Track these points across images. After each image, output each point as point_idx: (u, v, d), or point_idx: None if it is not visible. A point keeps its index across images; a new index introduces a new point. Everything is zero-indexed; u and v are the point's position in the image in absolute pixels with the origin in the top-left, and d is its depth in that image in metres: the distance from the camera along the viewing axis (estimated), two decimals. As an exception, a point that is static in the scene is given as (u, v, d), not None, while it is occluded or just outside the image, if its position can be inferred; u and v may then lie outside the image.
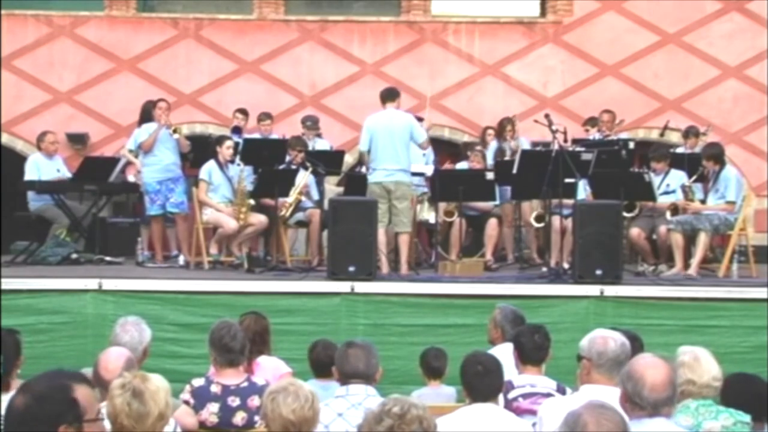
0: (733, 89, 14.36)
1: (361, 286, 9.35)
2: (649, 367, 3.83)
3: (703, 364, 4.69)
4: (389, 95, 10.54)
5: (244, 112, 12.54)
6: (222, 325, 5.56)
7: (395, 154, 10.21)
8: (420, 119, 11.06)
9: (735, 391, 4.91)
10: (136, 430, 3.53)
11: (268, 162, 11.03)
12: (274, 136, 12.29)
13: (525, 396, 5.38)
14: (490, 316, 6.93)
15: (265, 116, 12.50)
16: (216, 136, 11.81)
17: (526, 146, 11.67)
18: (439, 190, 10.88)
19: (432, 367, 6.96)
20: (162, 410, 3.60)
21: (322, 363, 6.44)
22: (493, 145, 12.12)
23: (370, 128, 10.34)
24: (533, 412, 5.09)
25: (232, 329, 5.47)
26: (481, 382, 4.70)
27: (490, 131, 12.52)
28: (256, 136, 12.12)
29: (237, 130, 11.94)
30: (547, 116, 10.67)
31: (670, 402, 3.78)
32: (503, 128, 12.01)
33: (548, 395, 5.36)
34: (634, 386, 3.79)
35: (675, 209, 10.62)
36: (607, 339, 4.69)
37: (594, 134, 12.34)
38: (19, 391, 2.86)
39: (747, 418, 4.60)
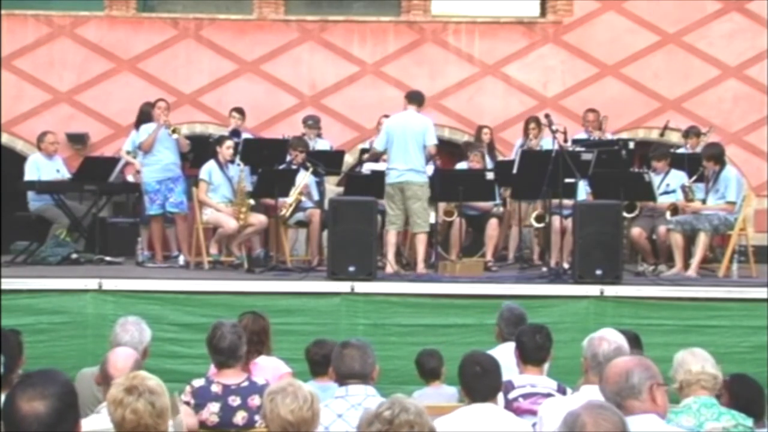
0: (733, 89, 14.36)
1: (361, 286, 9.35)
2: (612, 363, 3.88)
3: (698, 356, 4.72)
4: (413, 98, 10.61)
5: (240, 111, 12.53)
6: (214, 325, 5.58)
7: (406, 154, 10.28)
8: None
9: (734, 393, 4.92)
10: (159, 427, 3.54)
11: (268, 162, 11.03)
12: (246, 134, 12.20)
13: (525, 396, 5.38)
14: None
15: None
16: (216, 136, 11.81)
17: (550, 147, 11.64)
18: (439, 190, 10.88)
19: (427, 369, 6.96)
20: (171, 403, 3.63)
21: (317, 362, 6.46)
22: (518, 142, 12.18)
23: (388, 128, 10.50)
24: (533, 413, 5.10)
25: (221, 330, 5.48)
26: (480, 383, 4.70)
27: (486, 130, 12.57)
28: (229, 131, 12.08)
29: (235, 134, 11.90)
30: (547, 116, 10.67)
31: (624, 394, 3.73)
32: (527, 126, 12.07)
33: (548, 395, 5.36)
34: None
35: (675, 209, 10.62)
36: (603, 341, 4.71)
37: (581, 134, 12.34)
38: (29, 399, 2.83)
39: (749, 421, 4.61)
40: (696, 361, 4.70)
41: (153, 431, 3.52)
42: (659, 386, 3.79)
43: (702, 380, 4.67)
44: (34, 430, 2.80)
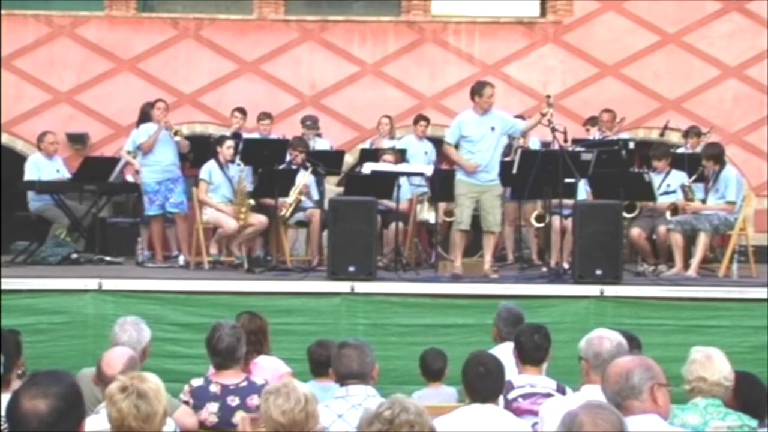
0: (733, 89, 14.37)
1: (361, 286, 9.34)
2: (613, 363, 3.89)
3: (715, 363, 4.71)
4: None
5: (242, 111, 12.54)
6: (213, 326, 5.58)
7: None
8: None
9: (740, 392, 4.91)
10: (144, 430, 3.53)
11: (268, 162, 11.03)
12: (273, 136, 12.29)
13: (525, 396, 5.38)
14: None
15: (264, 116, 12.50)
16: (216, 136, 11.81)
17: (537, 146, 11.64)
18: (439, 190, 10.88)
19: (432, 370, 6.94)
20: (165, 408, 3.63)
21: (319, 362, 6.45)
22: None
23: None
24: (533, 413, 5.10)
25: (219, 332, 5.47)
26: (482, 383, 4.70)
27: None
28: (255, 135, 12.13)
29: (237, 136, 11.89)
30: (549, 119, 10.62)
31: (625, 394, 3.74)
32: None
33: (548, 395, 5.36)
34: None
35: (675, 209, 10.62)
36: (603, 339, 4.72)
37: (594, 134, 12.34)
38: (31, 397, 2.83)
39: (754, 423, 4.62)
40: (714, 369, 4.69)
41: None
42: (660, 387, 3.79)
43: (715, 388, 4.67)
44: (34, 428, 2.80)
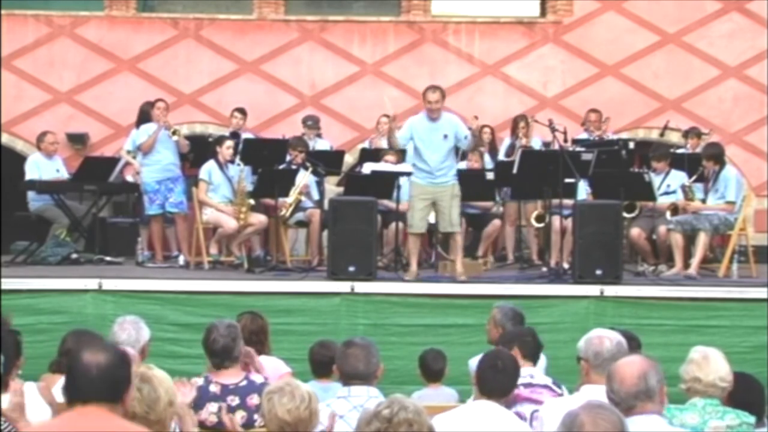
0: (733, 89, 14.36)
1: (361, 286, 9.35)
2: (624, 363, 3.89)
3: (711, 364, 4.71)
4: None
5: (242, 111, 12.53)
6: (209, 327, 5.56)
7: None
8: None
9: (736, 392, 4.92)
10: (149, 416, 3.56)
11: (268, 162, 11.03)
12: (247, 134, 12.19)
13: (525, 386, 5.42)
14: (489, 316, 6.91)
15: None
16: (216, 136, 11.82)
17: (539, 146, 11.63)
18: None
19: (434, 370, 6.93)
20: (171, 398, 3.65)
21: (321, 363, 6.45)
22: (506, 141, 12.15)
23: None
24: (533, 401, 5.16)
25: (214, 333, 5.46)
26: (495, 377, 4.71)
27: (486, 130, 12.53)
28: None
29: (235, 135, 11.87)
30: (550, 121, 10.61)
31: (642, 397, 3.76)
32: (516, 125, 12.01)
33: (546, 386, 5.43)
34: (609, 382, 3.87)
35: (675, 209, 10.62)
36: (603, 339, 4.74)
37: (582, 134, 12.33)
38: (92, 352, 3.18)
39: (752, 419, 4.63)
40: (710, 370, 4.69)
41: (143, 418, 3.54)
42: (664, 386, 3.83)
43: (710, 389, 4.67)
44: (93, 375, 3.14)
